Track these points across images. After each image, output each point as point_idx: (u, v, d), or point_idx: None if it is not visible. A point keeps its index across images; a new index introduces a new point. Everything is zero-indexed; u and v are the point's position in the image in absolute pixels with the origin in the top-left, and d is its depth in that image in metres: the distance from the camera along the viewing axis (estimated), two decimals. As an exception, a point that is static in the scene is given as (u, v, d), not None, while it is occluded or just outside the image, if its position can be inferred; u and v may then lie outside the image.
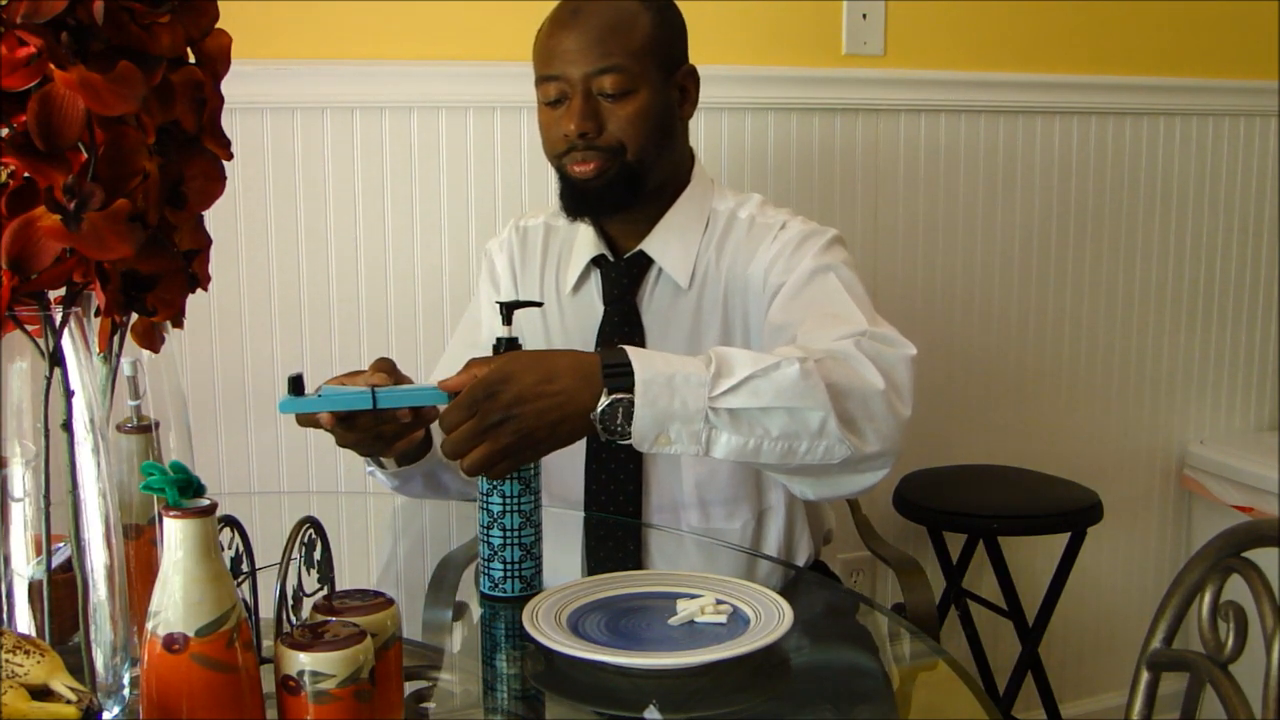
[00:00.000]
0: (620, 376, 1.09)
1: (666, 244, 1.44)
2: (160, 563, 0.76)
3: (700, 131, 2.00)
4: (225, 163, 0.86)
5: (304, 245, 1.88)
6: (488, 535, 1.16)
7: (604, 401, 1.09)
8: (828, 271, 1.35)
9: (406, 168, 1.90)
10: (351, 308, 1.91)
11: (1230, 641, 1.05)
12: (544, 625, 1.04)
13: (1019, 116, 2.26)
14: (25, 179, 0.72)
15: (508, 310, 1.22)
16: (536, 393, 1.08)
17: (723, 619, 1.07)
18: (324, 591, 0.91)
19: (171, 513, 0.75)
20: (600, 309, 1.47)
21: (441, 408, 1.17)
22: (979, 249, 2.27)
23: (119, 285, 0.80)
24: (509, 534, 1.15)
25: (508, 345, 1.19)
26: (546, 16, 1.42)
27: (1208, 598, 1.08)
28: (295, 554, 0.89)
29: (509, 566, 1.16)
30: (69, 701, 0.73)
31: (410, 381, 1.20)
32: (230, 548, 0.86)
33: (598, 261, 1.48)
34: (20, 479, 0.83)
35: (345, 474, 1.90)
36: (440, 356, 1.60)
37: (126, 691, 0.85)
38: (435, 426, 1.28)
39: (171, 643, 0.74)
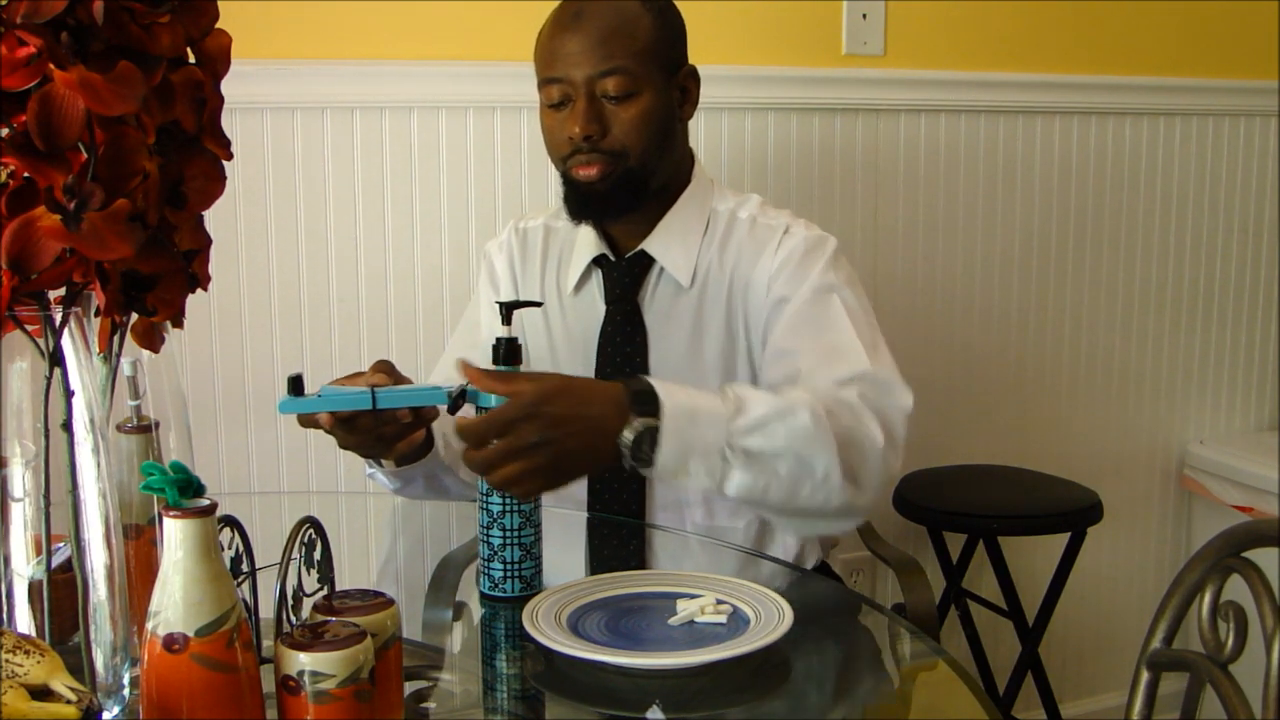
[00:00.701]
0: (646, 405, 1.11)
1: (668, 244, 1.45)
2: (160, 563, 0.76)
3: (700, 131, 2.00)
4: (225, 163, 0.86)
5: (304, 245, 1.88)
6: (488, 535, 1.16)
7: (636, 426, 1.10)
8: (831, 293, 1.36)
9: (406, 168, 1.90)
10: (351, 308, 1.91)
11: (1230, 641, 1.05)
12: (544, 625, 1.04)
13: (1019, 116, 2.26)
14: (25, 179, 0.72)
15: (507, 310, 1.22)
16: (574, 415, 1.09)
17: (723, 619, 1.07)
18: (324, 591, 0.91)
19: (171, 513, 0.75)
20: (602, 308, 1.47)
21: (442, 408, 1.17)
22: (979, 249, 2.27)
23: (119, 285, 0.80)
24: (509, 534, 1.16)
25: (507, 345, 1.19)
26: (547, 18, 1.42)
27: (1208, 598, 1.08)
28: (295, 554, 0.89)
29: (509, 566, 1.16)
30: (69, 701, 0.73)
31: (410, 382, 1.20)
32: (230, 548, 0.86)
33: (599, 261, 1.48)
34: (20, 479, 0.83)
35: (345, 474, 1.90)
36: (440, 356, 1.60)
37: (126, 691, 0.85)
38: (437, 427, 1.29)
39: (171, 643, 0.74)
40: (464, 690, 1.07)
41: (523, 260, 1.55)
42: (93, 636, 0.82)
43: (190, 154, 0.83)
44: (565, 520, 1.42)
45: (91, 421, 0.82)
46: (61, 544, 0.83)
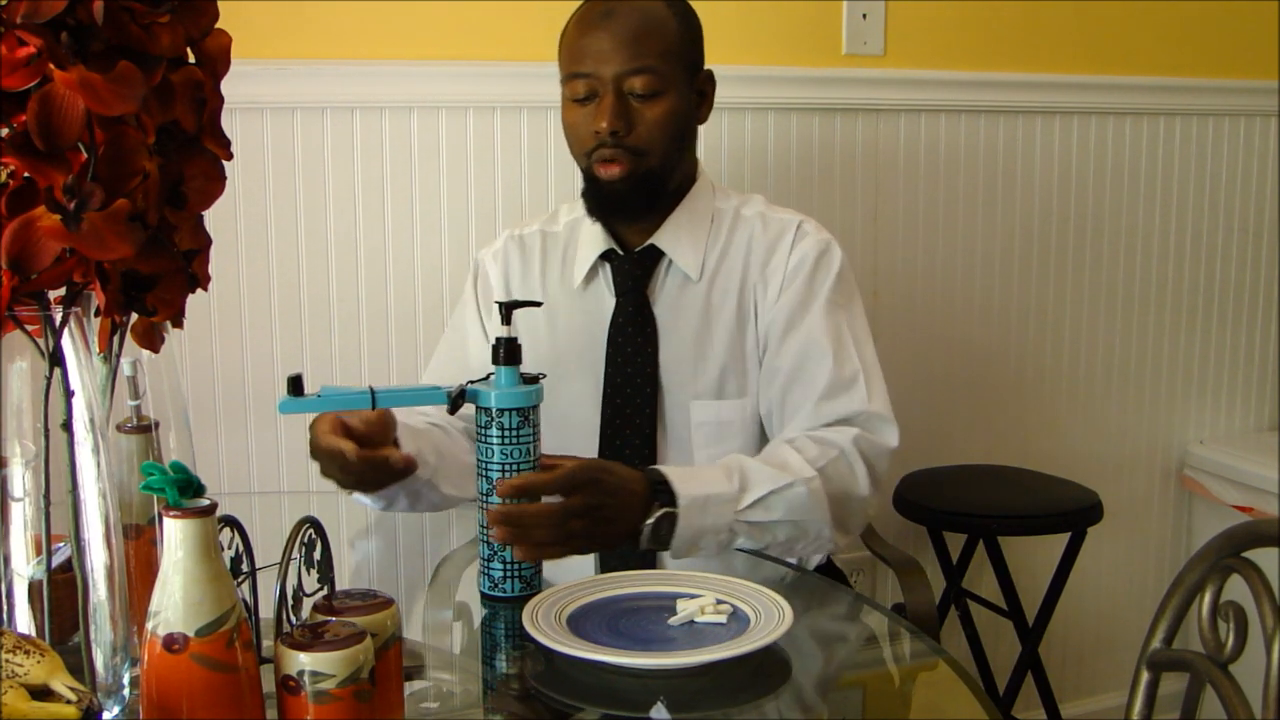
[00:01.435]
0: (662, 493, 1.23)
1: (677, 238, 1.50)
2: (160, 563, 0.76)
3: (700, 131, 2.00)
4: (225, 163, 0.86)
5: (304, 245, 1.88)
6: (488, 535, 1.16)
7: (656, 514, 1.22)
8: (837, 316, 1.44)
9: (406, 168, 1.90)
10: (351, 308, 1.91)
11: (1230, 641, 1.05)
12: (544, 625, 1.04)
13: (1019, 116, 2.26)
14: (25, 179, 0.72)
15: (507, 310, 1.22)
16: (622, 488, 1.21)
17: (723, 619, 1.07)
18: (324, 591, 0.91)
19: (171, 513, 0.75)
20: (611, 301, 1.51)
21: (441, 408, 1.18)
22: (979, 249, 2.27)
23: (119, 285, 0.80)
24: (509, 534, 1.15)
25: (507, 345, 1.19)
26: (572, 16, 1.46)
27: (1208, 598, 1.08)
28: (295, 554, 0.89)
29: (509, 566, 1.16)
30: (69, 701, 0.73)
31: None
32: (230, 548, 0.86)
33: (606, 256, 1.51)
34: (20, 479, 0.83)
35: (345, 474, 1.89)
36: (430, 359, 1.61)
37: (126, 691, 0.85)
38: (428, 442, 1.34)
39: (171, 643, 0.74)
40: (464, 690, 1.07)
41: (522, 265, 1.57)
42: (93, 636, 0.82)
43: (190, 154, 0.83)
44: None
45: (91, 421, 0.82)
46: (61, 544, 0.83)
